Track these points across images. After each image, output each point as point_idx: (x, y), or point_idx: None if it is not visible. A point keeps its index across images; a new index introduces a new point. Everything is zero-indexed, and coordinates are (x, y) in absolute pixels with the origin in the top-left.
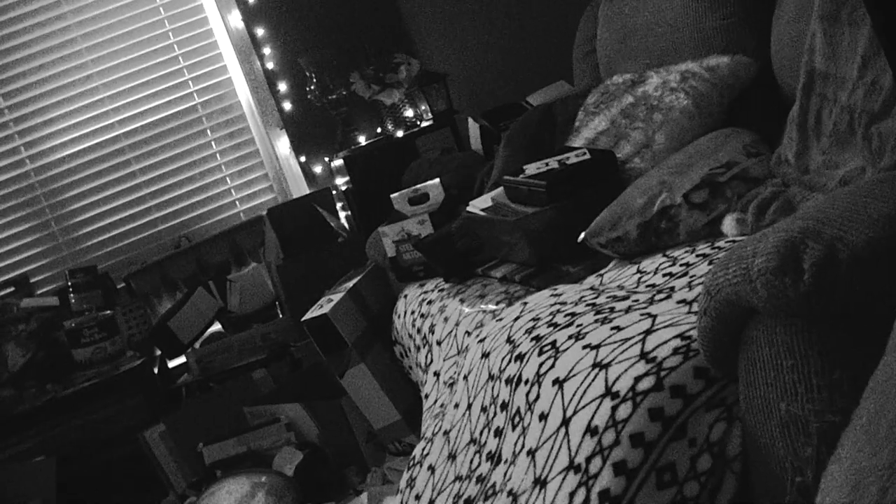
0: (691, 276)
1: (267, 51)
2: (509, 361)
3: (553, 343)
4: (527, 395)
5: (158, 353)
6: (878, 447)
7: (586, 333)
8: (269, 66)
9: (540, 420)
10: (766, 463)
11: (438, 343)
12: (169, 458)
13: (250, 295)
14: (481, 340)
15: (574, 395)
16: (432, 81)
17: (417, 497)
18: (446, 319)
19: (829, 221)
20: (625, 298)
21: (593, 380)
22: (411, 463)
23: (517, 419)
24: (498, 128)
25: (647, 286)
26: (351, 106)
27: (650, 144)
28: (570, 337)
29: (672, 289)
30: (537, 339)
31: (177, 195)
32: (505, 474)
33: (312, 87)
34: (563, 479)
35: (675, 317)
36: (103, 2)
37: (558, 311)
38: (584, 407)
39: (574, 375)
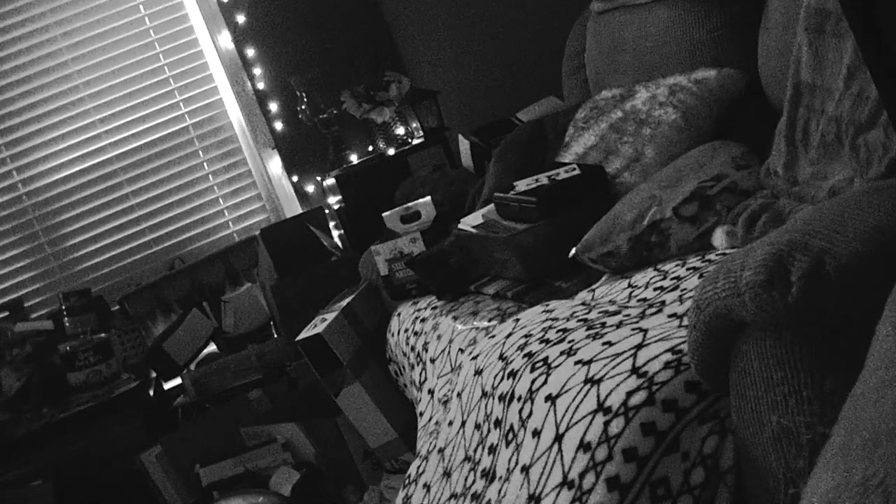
0: (682, 290)
1: (257, 71)
2: (502, 378)
3: (545, 359)
4: (520, 411)
5: (154, 375)
6: (853, 464)
7: (578, 349)
8: (260, 86)
9: (533, 436)
10: (759, 475)
11: (432, 361)
12: (166, 480)
13: (245, 315)
14: (474, 358)
15: (566, 410)
16: (423, 99)
17: None
18: (440, 337)
19: (816, 233)
20: (616, 313)
21: (585, 395)
22: (407, 481)
23: (511, 436)
24: (488, 144)
25: (639, 300)
26: (342, 125)
27: (639, 159)
28: (562, 353)
29: (663, 303)
30: (529, 355)
31: (170, 216)
32: (499, 491)
33: (303, 107)
34: (557, 495)
35: (666, 331)
36: (93, 25)
37: (550, 326)
38: (576, 423)
39: (566, 391)
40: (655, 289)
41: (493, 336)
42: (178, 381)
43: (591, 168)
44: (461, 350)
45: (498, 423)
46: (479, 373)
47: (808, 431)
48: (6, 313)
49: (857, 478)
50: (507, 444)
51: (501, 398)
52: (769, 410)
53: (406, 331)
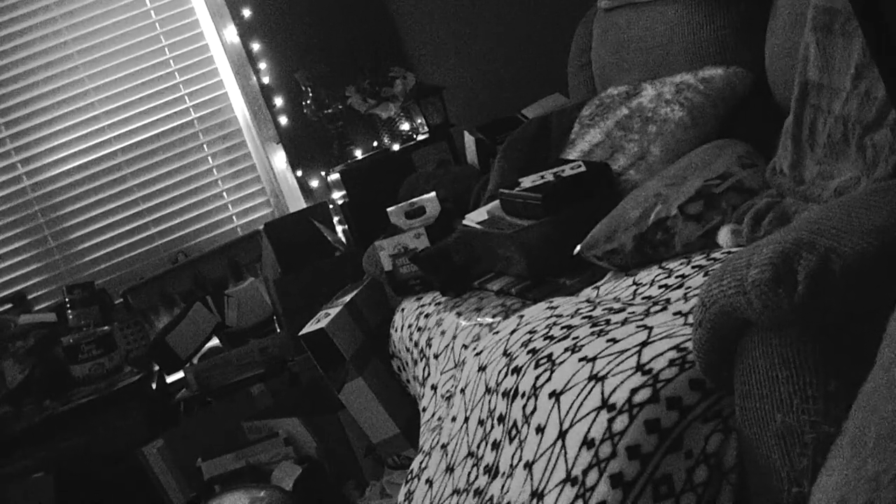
0: (687, 288)
1: (263, 65)
2: (506, 374)
3: (549, 356)
4: (523, 407)
5: (156, 368)
6: (865, 459)
7: (582, 346)
8: (265, 80)
9: (537, 433)
10: (762, 474)
11: (436, 356)
12: (168, 474)
13: (248, 310)
14: (478, 354)
15: (570, 407)
16: (428, 95)
17: None
18: (443, 333)
19: (822, 232)
20: (621, 310)
21: (589, 392)
22: (409, 477)
23: (514, 432)
24: (494, 141)
25: (643, 298)
26: (347, 120)
27: (645, 156)
28: (566, 349)
29: (668, 300)
30: (534, 351)
31: (174, 210)
32: (502, 487)
33: (308, 102)
34: (560, 491)
35: (670, 328)
36: (99, 18)
37: (554, 323)
38: (580, 419)
39: (570, 388)
40: (660, 286)
41: (497, 332)
42: (180, 374)
43: (597, 165)
44: (465, 346)
45: (501, 419)
46: (482, 369)
47: (812, 430)
48: (9, 305)
49: (869, 472)
50: (511, 440)
51: (505, 394)
52: (773, 409)
53: (409, 326)
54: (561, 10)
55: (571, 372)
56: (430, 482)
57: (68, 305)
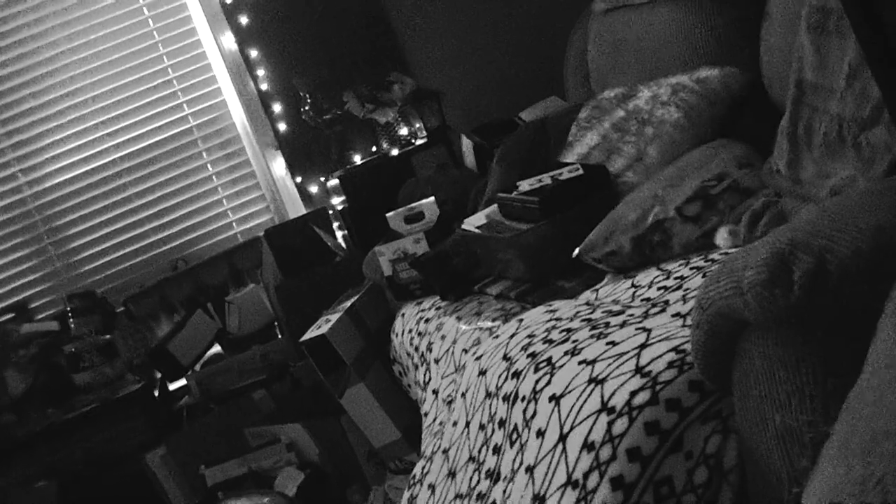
0: (685, 290)
1: (260, 72)
2: (506, 378)
3: (549, 359)
4: (524, 411)
5: (158, 375)
6: (852, 463)
7: (582, 349)
8: (263, 87)
9: (537, 437)
10: (762, 474)
11: (436, 361)
12: (171, 481)
13: (249, 316)
14: (478, 358)
15: (570, 410)
16: (426, 99)
17: None
18: (443, 337)
19: (818, 232)
20: (620, 313)
21: (589, 395)
22: (412, 482)
23: (515, 436)
24: (491, 144)
25: (642, 300)
26: (345, 125)
27: (642, 158)
28: (565, 353)
29: (666, 302)
30: (533, 355)
31: (174, 218)
32: (504, 491)
33: (307, 108)
34: (562, 494)
35: (669, 330)
36: (97, 27)
37: (554, 327)
38: (580, 423)
39: (570, 391)
40: (659, 288)
41: (497, 336)
42: (182, 381)
43: (594, 168)
44: (465, 350)
45: (502, 423)
46: (482, 373)
47: (810, 430)
48: (11, 315)
49: (856, 476)
50: (512, 444)
51: (505, 398)
52: (772, 409)
53: (410, 331)
54: (557, 14)
55: (571, 375)
56: (432, 487)
57: (70, 314)
